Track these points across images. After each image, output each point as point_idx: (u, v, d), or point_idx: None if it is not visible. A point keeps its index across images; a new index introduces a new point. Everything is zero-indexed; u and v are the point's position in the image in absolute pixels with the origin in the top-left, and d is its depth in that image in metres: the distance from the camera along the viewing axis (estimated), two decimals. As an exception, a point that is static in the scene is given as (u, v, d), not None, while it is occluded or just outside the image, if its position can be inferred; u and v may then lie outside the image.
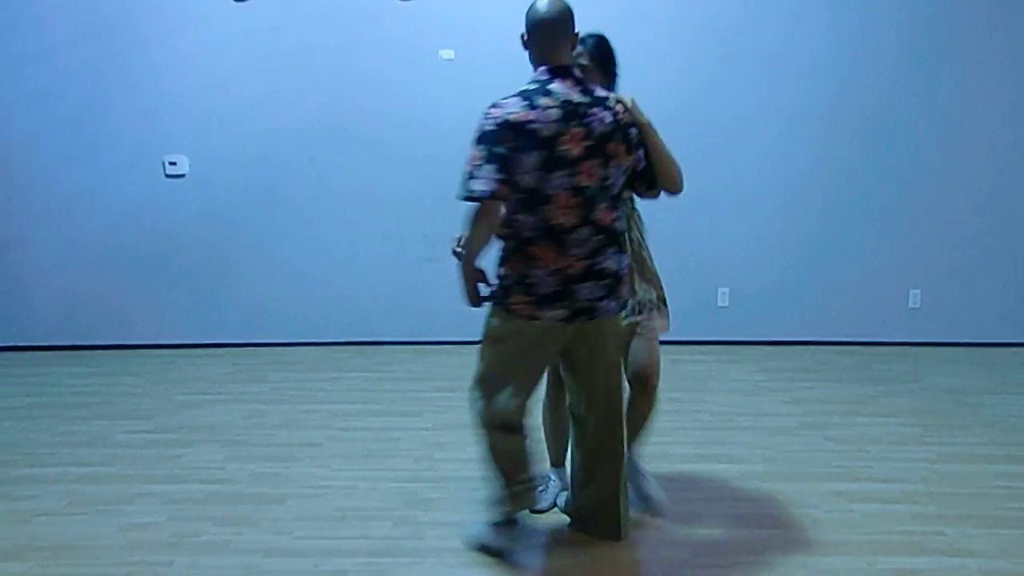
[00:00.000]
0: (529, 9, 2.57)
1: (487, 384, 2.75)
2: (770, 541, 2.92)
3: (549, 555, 2.87)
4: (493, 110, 2.49)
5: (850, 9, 4.99)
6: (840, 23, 5.00)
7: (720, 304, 5.37)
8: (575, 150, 2.49)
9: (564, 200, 2.51)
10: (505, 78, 4.81)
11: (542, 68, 2.57)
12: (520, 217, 2.54)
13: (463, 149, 5.69)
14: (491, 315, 2.72)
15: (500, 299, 2.66)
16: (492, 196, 2.46)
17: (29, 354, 5.27)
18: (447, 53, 5.06)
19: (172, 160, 5.14)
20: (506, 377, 2.72)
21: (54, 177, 5.13)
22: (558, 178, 2.49)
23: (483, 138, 2.49)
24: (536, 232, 2.55)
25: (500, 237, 2.62)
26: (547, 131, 2.46)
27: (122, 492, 3.32)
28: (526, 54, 2.62)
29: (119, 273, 5.27)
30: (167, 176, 5.16)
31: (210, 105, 5.08)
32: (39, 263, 5.25)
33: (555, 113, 2.47)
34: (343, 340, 5.40)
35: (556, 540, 2.96)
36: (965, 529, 3.00)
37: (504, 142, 2.45)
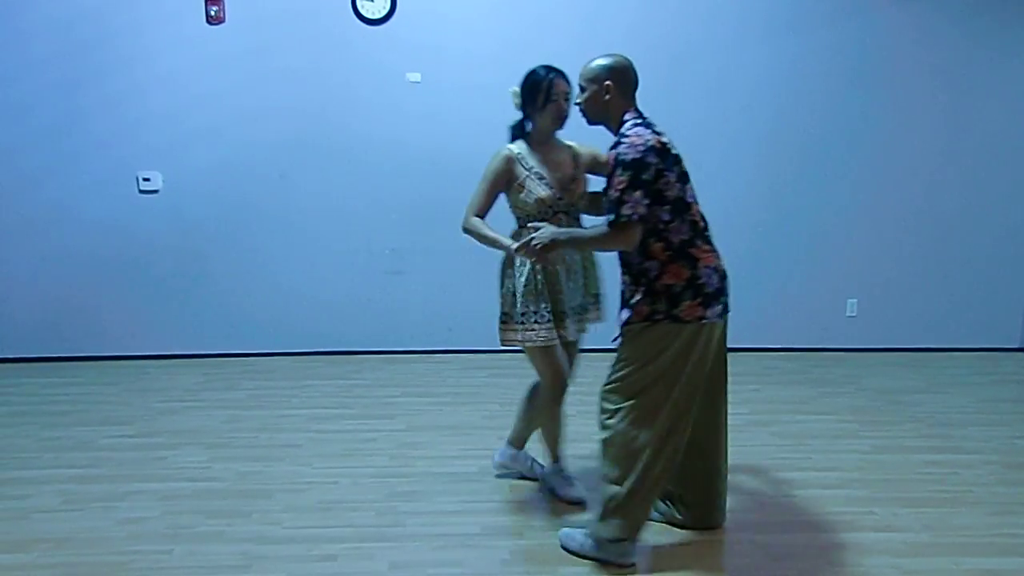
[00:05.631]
0: (620, 63, 2.91)
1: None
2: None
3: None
4: (634, 139, 2.71)
5: (787, 39, 5.38)
6: (779, 53, 5.39)
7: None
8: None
9: (696, 206, 2.86)
10: (467, 100, 5.14)
11: (633, 110, 2.88)
12: (675, 224, 2.77)
13: (428, 166, 5.87)
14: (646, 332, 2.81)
15: (667, 310, 2.77)
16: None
17: (4, 366, 5.36)
18: (414, 76, 5.32)
19: (146, 176, 5.30)
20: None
21: (30, 191, 5.26)
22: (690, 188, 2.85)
23: (629, 166, 2.69)
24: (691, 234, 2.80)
25: (649, 253, 2.79)
26: (675, 150, 2.81)
27: (113, 490, 3.48)
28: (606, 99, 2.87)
29: (93, 285, 5.39)
30: (141, 192, 5.31)
31: (184, 124, 5.26)
32: (14, 276, 5.35)
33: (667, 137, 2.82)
34: (312, 350, 5.58)
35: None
36: (893, 509, 3.34)
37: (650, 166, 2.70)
